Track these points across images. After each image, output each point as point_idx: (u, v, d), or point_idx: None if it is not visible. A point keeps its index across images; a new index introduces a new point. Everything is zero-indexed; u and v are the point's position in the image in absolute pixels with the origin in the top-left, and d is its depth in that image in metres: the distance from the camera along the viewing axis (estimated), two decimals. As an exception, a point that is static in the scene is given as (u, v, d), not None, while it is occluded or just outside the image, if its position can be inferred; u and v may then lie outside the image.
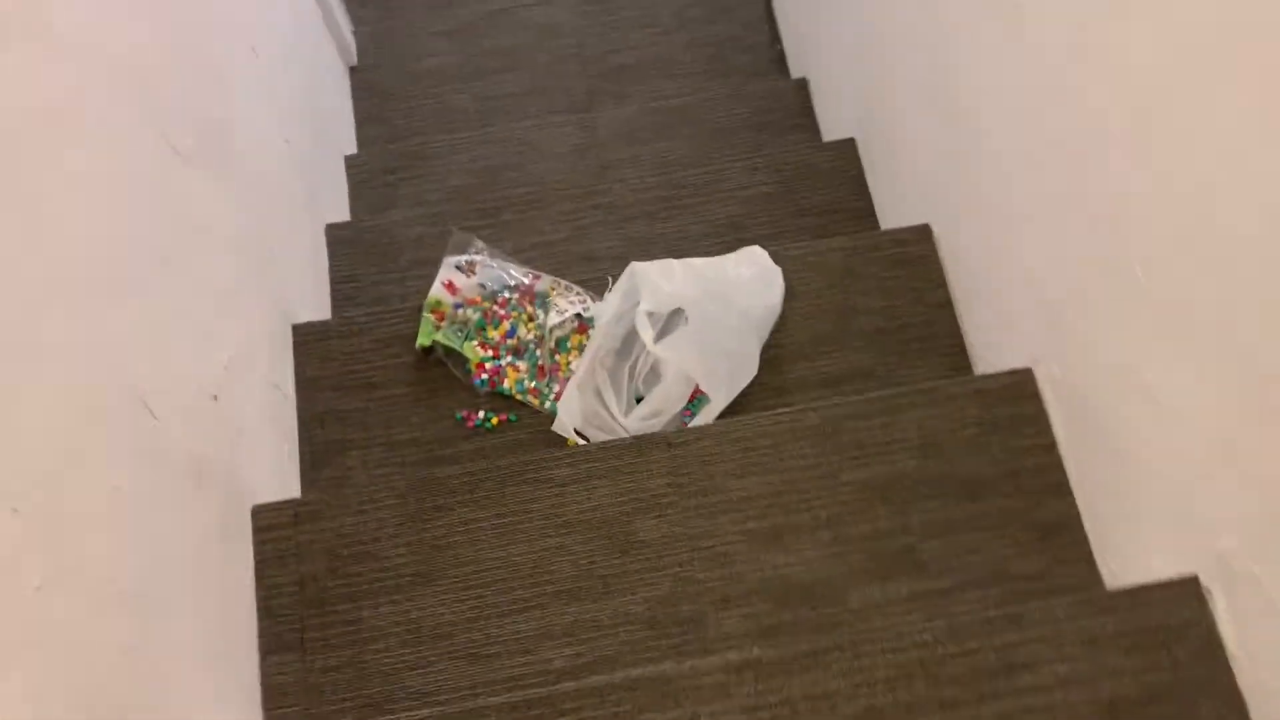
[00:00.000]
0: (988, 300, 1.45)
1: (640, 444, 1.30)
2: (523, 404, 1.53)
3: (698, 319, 1.42)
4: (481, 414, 1.53)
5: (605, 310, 1.49)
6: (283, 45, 1.87)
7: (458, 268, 1.60)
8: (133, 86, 1.11)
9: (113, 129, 1.05)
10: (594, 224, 1.91)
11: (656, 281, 1.41)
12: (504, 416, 1.53)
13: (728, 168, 1.97)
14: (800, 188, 1.92)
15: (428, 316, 1.57)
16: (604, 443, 1.35)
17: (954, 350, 1.53)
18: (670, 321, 1.48)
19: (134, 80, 1.11)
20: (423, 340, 1.55)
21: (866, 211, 1.88)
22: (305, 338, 1.59)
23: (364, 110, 2.40)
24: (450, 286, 1.59)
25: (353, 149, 2.32)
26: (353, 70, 2.45)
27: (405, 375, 1.56)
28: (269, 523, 1.27)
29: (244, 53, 1.60)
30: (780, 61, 2.37)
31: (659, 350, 1.40)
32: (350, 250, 1.90)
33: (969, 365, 1.52)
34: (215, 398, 1.20)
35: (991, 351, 1.45)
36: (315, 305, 1.77)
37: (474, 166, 2.20)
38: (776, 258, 1.57)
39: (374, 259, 1.90)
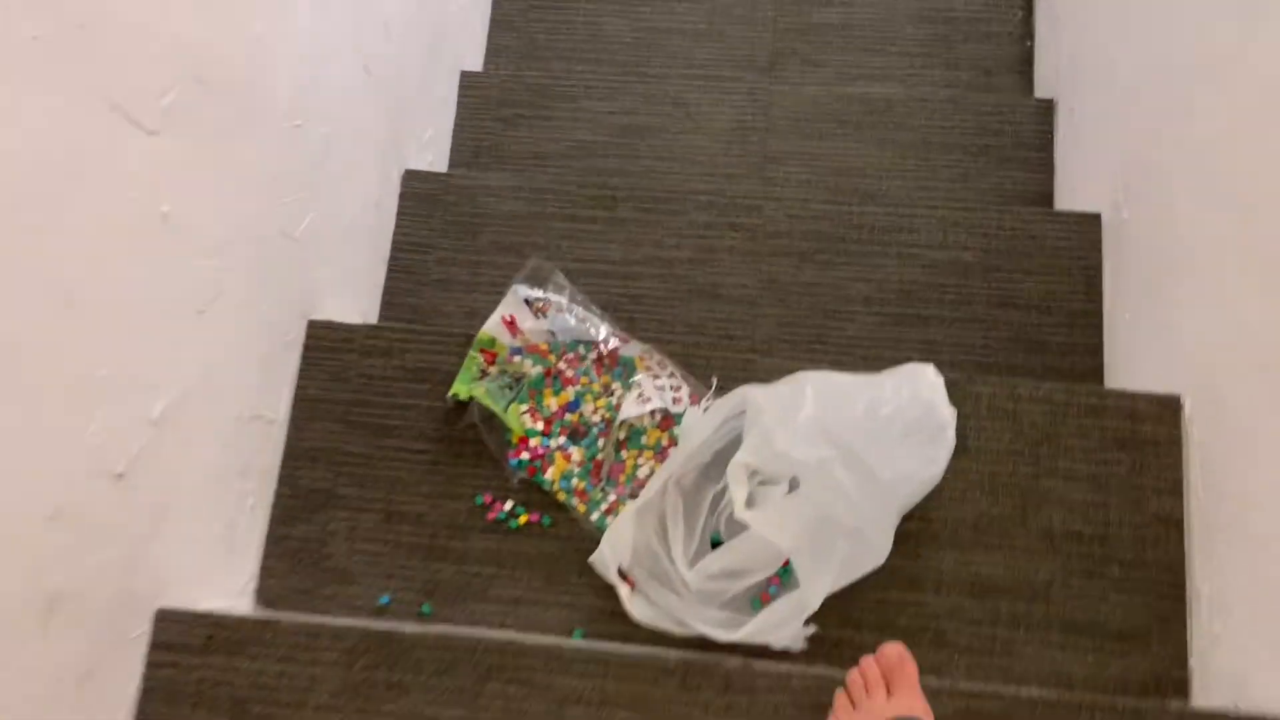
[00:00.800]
0: (1246, 560, 0.98)
1: (688, 672, 0.91)
2: (563, 505, 1.15)
3: (817, 488, 0.99)
4: (509, 505, 1.15)
5: (699, 426, 1.08)
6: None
7: (527, 302, 1.20)
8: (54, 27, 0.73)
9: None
10: (729, 248, 1.47)
11: (769, 427, 0.99)
12: (535, 516, 1.15)
13: (922, 210, 1.49)
14: (1011, 264, 1.43)
15: (475, 356, 1.19)
16: (636, 655, 0.96)
17: (1170, 593, 1.08)
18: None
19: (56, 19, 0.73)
20: (459, 389, 1.17)
21: (1091, 320, 1.39)
22: (320, 342, 1.23)
23: (503, 11, 1.97)
24: (511, 324, 1.20)
25: (477, 62, 1.91)
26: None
27: (429, 425, 1.20)
28: (172, 640, 0.94)
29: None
30: (1026, 65, 1.83)
31: (751, 519, 0.99)
32: (427, 211, 1.52)
33: (1185, 620, 1.06)
34: (120, 476, 0.86)
35: (1228, 625, 0.99)
36: (359, 282, 1.41)
37: (609, 120, 1.76)
38: (955, 394, 1.13)
39: (452, 229, 1.51)
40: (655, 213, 1.50)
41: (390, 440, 1.19)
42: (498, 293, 1.44)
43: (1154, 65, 1.28)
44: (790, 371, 1.17)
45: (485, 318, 1.44)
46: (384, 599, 1.13)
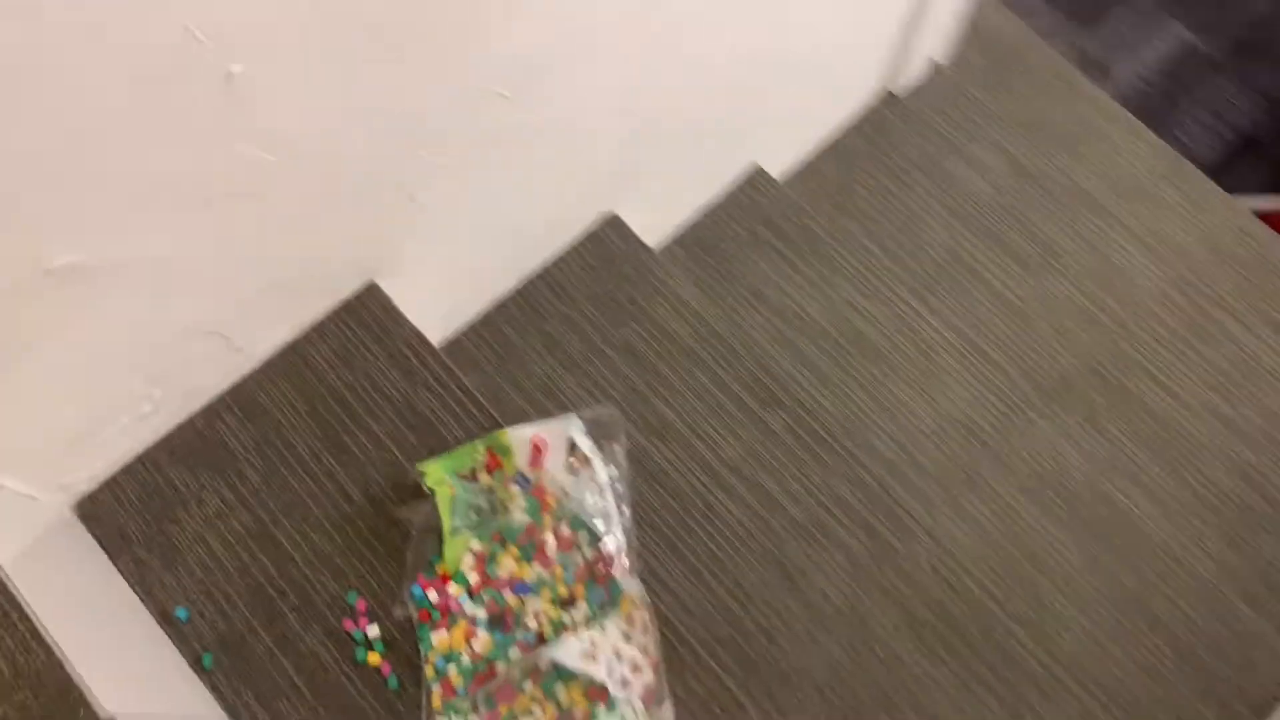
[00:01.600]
0: None
1: None
2: (421, 682, 0.87)
3: None
4: (373, 631, 0.89)
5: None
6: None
7: (572, 444, 0.93)
8: None
9: None
10: (844, 546, 1.16)
11: None
12: (386, 668, 0.88)
13: (1075, 686, 1.12)
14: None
15: (478, 449, 0.93)
16: None
17: None
18: None
19: None
20: (431, 471, 0.91)
21: None
22: (360, 311, 1.01)
23: (848, 145, 1.72)
24: (538, 450, 0.93)
25: (779, 167, 1.65)
26: (886, 97, 1.76)
27: (378, 478, 0.94)
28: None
29: None
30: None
31: None
32: (598, 264, 1.28)
33: None
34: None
35: None
36: (469, 282, 1.19)
37: (845, 314, 1.48)
38: None
39: (604, 301, 1.26)
40: (802, 445, 1.20)
41: (331, 461, 0.95)
42: (588, 392, 1.19)
43: None
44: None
45: (555, 403, 1.19)
46: (182, 612, 0.89)
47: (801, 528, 1.17)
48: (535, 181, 1.10)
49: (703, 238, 1.51)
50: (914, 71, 1.74)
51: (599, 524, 0.90)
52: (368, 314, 1.00)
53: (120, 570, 0.91)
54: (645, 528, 1.14)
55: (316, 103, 0.76)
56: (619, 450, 0.92)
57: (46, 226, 0.66)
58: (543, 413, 1.19)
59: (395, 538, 0.92)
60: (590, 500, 0.91)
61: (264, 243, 0.85)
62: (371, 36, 0.75)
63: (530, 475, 0.93)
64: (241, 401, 0.96)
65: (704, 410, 1.21)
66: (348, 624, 0.89)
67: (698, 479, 1.18)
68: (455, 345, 1.23)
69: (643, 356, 1.23)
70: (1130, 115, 1.80)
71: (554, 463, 0.93)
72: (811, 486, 1.18)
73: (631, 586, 0.90)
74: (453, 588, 0.89)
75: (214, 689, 0.87)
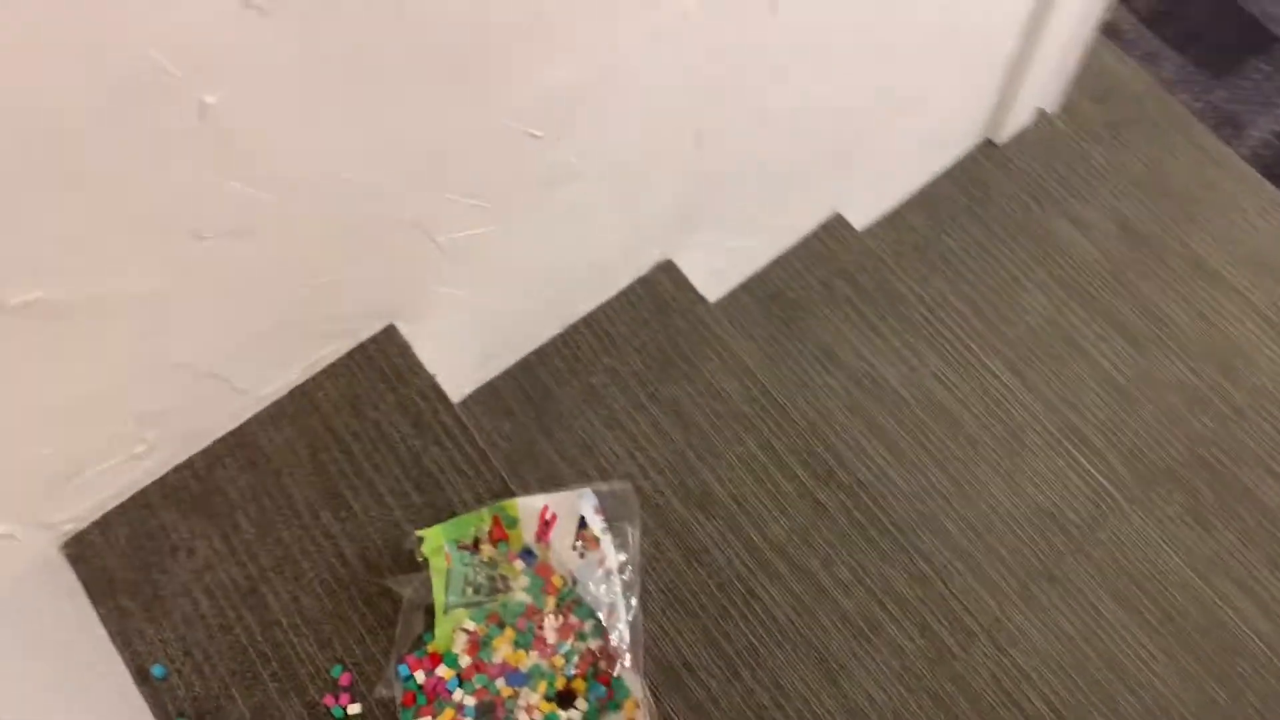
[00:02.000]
0: None
1: None
2: (401, 773, 0.79)
3: None
4: (355, 709, 0.81)
5: None
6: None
7: (583, 520, 0.84)
8: None
9: None
10: (897, 647, 1.04)
11: None
12: (363, 753, 0.80)
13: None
14: None
15: (483, 517, 0.85)
16: None
17: None
18: None
19: None
20: (431, 537, 0.84)
21: None
22: (374, 355, 0.94)
23: (938, 200, 1.60)
24: (546, 525, 0.84)
25: (865, 218, 1.55)
26: (985, 145, 1.63)
27: (376, 538, 0.87)
28: None
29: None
30: None
31: None
32: (649, 313, 1.19)
33: None
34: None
35: None
36: (507, 334, 1.11)
37: (927, 378, 1.36)
38: None
39: (653, 351, 1.18)
40: (857, 528, 1.09)
41: (329, 516, 0.88)
42: (628, 452, 1.11)
43: None
44: None
45: (592, 462, 1.11)
46: (159, 669, 0.84)
47: (850, 621, 1.05)
48: (578, 224, 1.02)
49: (772, 288, 1.41)
50: (1018, 119, 1.61)
51: (605, 615, 0.81)
52: (383, 359, 0.94)
53: (101, 617, 0.85)
54: (679, 609, 1.04)
55: (312, 140, 0.70)
56: (632, 533, 0.83)
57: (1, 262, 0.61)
58: (578, 471, 1.11)
59: (388, 607, 0.85)
60: (592, 588, 0.82)
61: (265, 282, 0.79)
62: (372, 71, 0.68)
63: (536, 550, 0.84)
64: (243, 445, 0.90)
65: (751, 482, 1.11)
66: (329, 699, 0.82)
67: (739, 559, 1.07)
68: (490, 390, 1.16)
69: (689, 417, 1.14)
70: (1261, 178, 1.63)
71: (561, 540, 0.84)
72: (865, 575, 1.07)
73: (636, 685, 0.80)
74: (442, 670, 0.81)
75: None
